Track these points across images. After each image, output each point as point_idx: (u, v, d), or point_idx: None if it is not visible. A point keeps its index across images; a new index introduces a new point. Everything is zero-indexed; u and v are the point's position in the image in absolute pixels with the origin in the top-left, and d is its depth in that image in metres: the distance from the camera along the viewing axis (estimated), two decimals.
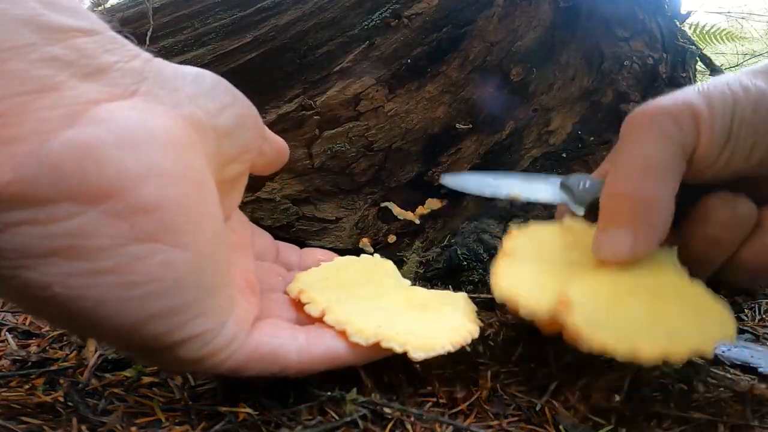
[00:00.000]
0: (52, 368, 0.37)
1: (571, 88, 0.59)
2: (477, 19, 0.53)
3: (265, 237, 0.41)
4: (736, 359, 0.45)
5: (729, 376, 0.42)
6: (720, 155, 0.30)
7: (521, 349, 0.42)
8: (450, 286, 0.53)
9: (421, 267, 0.56)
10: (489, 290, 0.55)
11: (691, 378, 0.39)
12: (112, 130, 0.21)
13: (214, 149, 0.27)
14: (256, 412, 0.33)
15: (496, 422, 0.34)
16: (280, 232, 0.55)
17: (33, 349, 0.41)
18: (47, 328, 0.44)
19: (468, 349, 0.37)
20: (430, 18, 0.53)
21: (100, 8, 0.60)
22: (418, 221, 0.58)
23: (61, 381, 0.36)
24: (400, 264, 0.54)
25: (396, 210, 0.58)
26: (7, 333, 0.43)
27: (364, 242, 0.56)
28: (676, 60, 0.63)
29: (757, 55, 1.48)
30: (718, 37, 1.19)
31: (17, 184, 0.19)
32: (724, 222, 0.31)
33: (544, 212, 0.57)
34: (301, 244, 0.49)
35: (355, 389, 0.36)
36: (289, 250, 0.43)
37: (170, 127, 0.23)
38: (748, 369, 0.44)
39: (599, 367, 0.41)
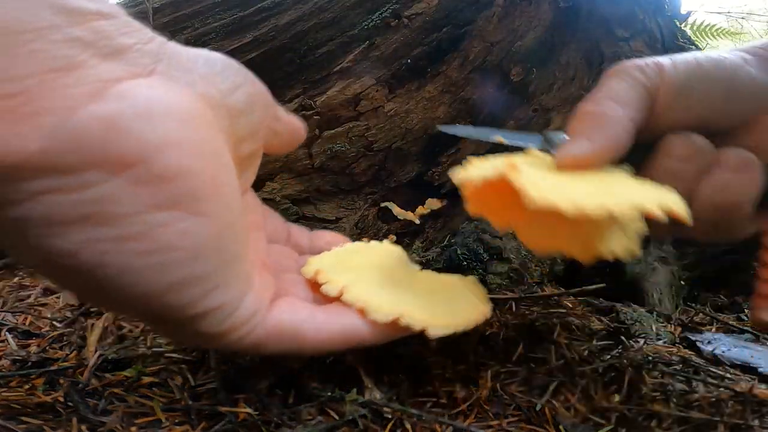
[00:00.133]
0: (52, 368, 0.37)
1: (571, 88, 0.59)
2: (477, 19, 0.54)
3: (277, 218, 0.42)
4: (736, 359, 0.45)
5: (729, 376, 0.42)
6: (679, 102, 0.34)
7: (521, 349, 0.42)
8: None
9: (421, 267, 0.56)
10: (489, 290, 0.55)
11: (690, 378, 0.39)
12: (133, 105, 0.22)
13: (228, 127, 0.28)
14: (256, 412, 0.33)
15: (496, 422, 0.34)
16: None
17: (33, 349, 0.41)
18: (47, 328, 0.44)
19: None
20: (430, 18, 0.53)
21: None
22: (418, 221, 0.58)
23: (61, 381, 0.36)
24: None
25: (396, 210, 0.58)
26: (7, 333, 0.43)
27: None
28: None
29: None
30: (715, 34, 1.19)
31: (43, 153, 0.20)
32: (682, 154, 0.34)
33: None
34: None
35: (355, 389, 0.36)
36: (299, 232, 0.43)
37: (186, 103, 0.24)
38: (748, 369, 0.44)
39: (599, 367, 0.41)
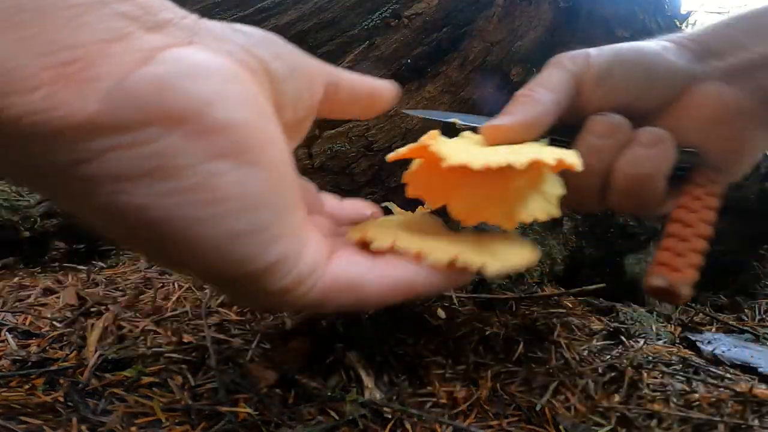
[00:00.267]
0: (52, 368, 0.37)
1: None
2: (477, 19, 0.54)
3: (311, 188, 0.42)
4: (736, 359, 0.45)
5: (729, 376, 0.42)
6: (602, 86, 0.38)
7: (521, 349, 0.42)
8: None
9: None
10: (489, 290, 0.55)
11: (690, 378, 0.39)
12: (180, 66, 0.24)
13: (269, 92, 0.29)
14: (256, 412, 0.33)
15: (496, 422, 0.34)
16: None
17: (33, 349, 0.41)
18: (47, 328, 0.44)
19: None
20: (430, 18, 0.53)
21: None
22: None
23: (61, 381, 0.36)
24: None
25: (396, 210, 0.58)
26: (7, 333, 0.43)
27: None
28: None
29: None
30: None
31: (103, 113, 0.22)
32: (602, 132, 0.38)
33: None
34: None
35: (355, 389, 0.36)
36: (332, 201, 0.44)
37: (227, 65, 0.26)
38: (748, 369, 0.44)
39: (599, 367, 0.41)
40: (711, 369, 0.43)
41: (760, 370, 0.43)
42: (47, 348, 0.41)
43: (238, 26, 0.29)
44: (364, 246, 0.33)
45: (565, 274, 0.62)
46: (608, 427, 0.34)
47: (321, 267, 0.29)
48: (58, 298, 0.50)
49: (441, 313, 0.48)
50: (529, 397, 0.37)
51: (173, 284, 0.52)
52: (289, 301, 0.28)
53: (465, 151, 0.32)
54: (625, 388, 0.38)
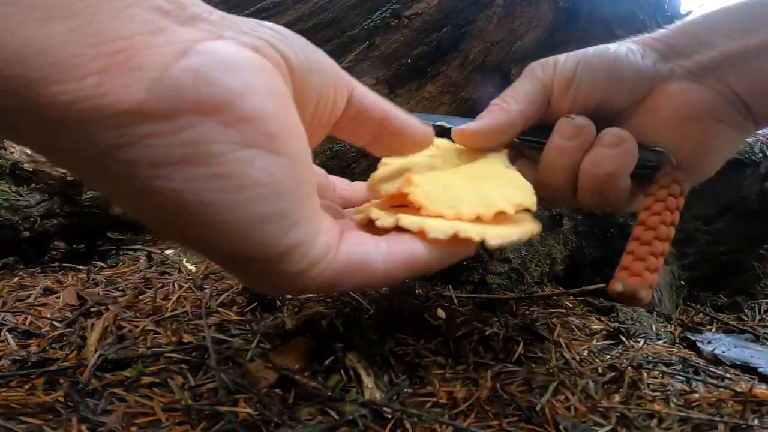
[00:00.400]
0: (52, 368, 0.37)
1: None
2: (477, 19, 0.54)
3: (323, 175, 0.44)
4: (736, 359, 0.45)
5: (729, 376, 0.42)
6: (569, 90, 0.40)
7: (521, 349, 0.42)
8: (450, 286, 0.53)
9: None
10: (489, 290, 0.55)
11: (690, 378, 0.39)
12: (215, 58, 0.25)
13: (291, 86, 0.30)
14: (256, 412, 0.33)
15: (496, 422, 0.34)
16: None
17: (33, 349, 0.41)
18: (47, 328, 0.44)
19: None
20: (430, 18, 0.53)
21: None
22: None
23: (61, 381, 0.36)
24: None
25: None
26: (7, 333, 0.43)
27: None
28: None
29: None
30: None
31: (147, 101, 0.23)
32: (568, 133, 0.40)
33: None
34: None
35: (355, 389, 0.36)
36: (342, 183, 0.46)
37: (255, 58, 0.27)
38: (748, 369, 0.44)
39: (599, 367, 0.41)
40: (711, 369, 0.43)
41: (760, 370, 0.43)
42: (47, 348, 0.41)
43: (261, 22, 0.30)
44: (370, 224, 0.35)
45: (565, 274, 0.62)
46: (608, 427, 0.34)
47: (333, 249, 0.30)
48: (58, 298, 0.50)
49: (441, 313, 0.48)
50: (529, 397, 0.37)
51: (173, 284, 0.52)
52: (304, 282, 0.29)
53: (435, 193, 0.35)
54: (625, 388, 0.38)
